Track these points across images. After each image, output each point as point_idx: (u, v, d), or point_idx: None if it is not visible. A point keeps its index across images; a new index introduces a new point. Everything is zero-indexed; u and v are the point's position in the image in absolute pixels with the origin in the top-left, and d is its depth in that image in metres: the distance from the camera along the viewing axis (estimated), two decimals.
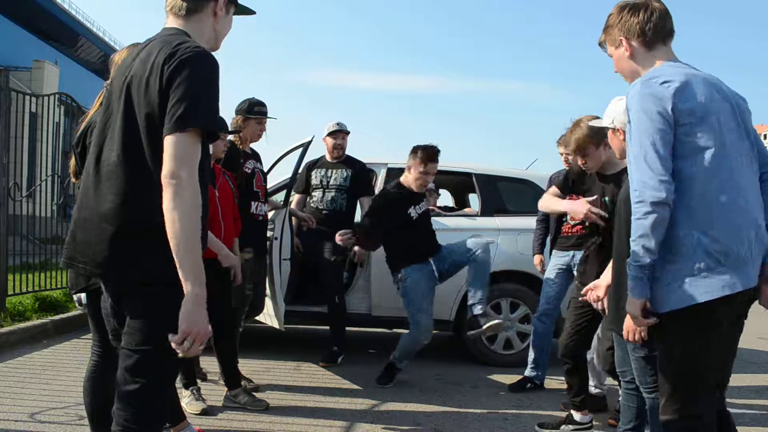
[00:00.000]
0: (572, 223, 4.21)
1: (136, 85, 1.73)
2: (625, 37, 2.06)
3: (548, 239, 4.47)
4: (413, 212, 4.37)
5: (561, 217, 4.26)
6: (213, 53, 1.90)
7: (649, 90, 1.90)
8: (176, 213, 1.60)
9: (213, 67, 1.73)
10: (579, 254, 4.14)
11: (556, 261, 4.29)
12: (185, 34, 1.79)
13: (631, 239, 1.93)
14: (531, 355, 4.39)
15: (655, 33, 2.03)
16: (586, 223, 4.14)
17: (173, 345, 1.62)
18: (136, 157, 1.70)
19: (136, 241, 1.69)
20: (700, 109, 1.89)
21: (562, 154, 4.23)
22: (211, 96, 1.71)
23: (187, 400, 3.56)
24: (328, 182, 5.00)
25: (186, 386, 3.63)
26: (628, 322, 2.44)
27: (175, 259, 1.61)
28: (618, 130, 2.77)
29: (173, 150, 1.62)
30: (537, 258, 4.46)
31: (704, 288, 1.86)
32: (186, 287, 1.61)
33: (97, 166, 1.77)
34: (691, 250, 1.87)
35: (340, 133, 5.03)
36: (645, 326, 2.02)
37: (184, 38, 1.76)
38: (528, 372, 4.38)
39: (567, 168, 4.25)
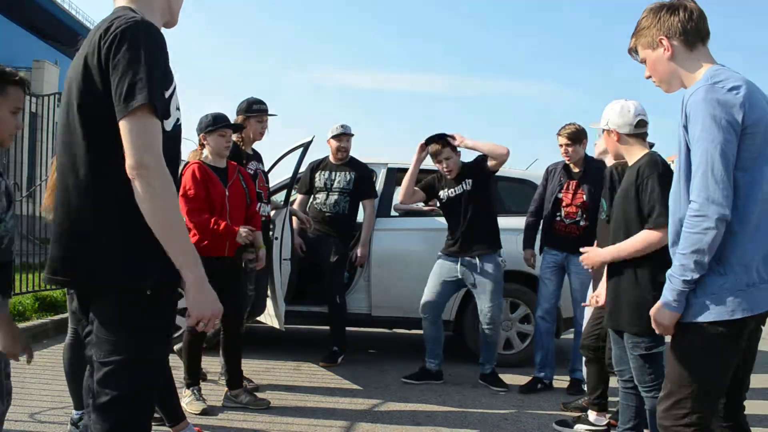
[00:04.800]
0: (567, 221, 4.22)
1: (72, 76, 1.61)
2: (665, 35, 1.95)
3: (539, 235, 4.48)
4: (443, 194, 4.46)
5: (555, 212, 4.28)
6: (170, 28, 1.80)
7: (718, 96, 1.79)
8: (152, 203, 1.50)
9: (153, 35, 1.58)
10: (573, 257, 4.16)
11: (549, 259, 4.32)
12: (131, 11, 1.63)
13: (680, 251, 1.84)
14: (538, 356, 4.40)
15: (696, 33, 1.94)
16: (581, 223, 4.17)
17: (188, 324, 1.63)
18: (82, 154, 1.59)
19: (95, 244, 1.57)
20: (765, 119, 1.83)
21: (561, 146, 4.24)
22: (156, 68, 1.54)
23: (187, 400, 3.56)
24: (332, 185, 4.99)
25: (188, 386, 3.64)
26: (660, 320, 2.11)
27: (166, 250, 1.53)
28: (612, 131, 2.80)
29: (130, 136, 1.50)
30: (527, 252, 4.47)
31: (748, 303, 1.82)
32: (183, 275, 1.55)
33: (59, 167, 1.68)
34: (741, 263, 1.82)
35: (344, 136, 5.02)
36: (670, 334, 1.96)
37: (124, 12, 1.60)
38: (537, 372, 4.39)
39: (566, 160, 4.27)
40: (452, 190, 4.39)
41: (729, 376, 1.93)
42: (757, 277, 1.83)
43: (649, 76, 2.05)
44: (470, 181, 4.33)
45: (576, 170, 4.26)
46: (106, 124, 1.54)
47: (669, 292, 1.88)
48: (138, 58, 1.51)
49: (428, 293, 4.41)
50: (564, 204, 4.24)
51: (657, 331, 1.97)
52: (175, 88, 1.66)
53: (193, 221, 3.51)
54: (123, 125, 1.51)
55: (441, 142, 4.33)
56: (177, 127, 1.69)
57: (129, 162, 1.50)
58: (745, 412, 2.20)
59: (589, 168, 4.21)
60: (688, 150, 1.86)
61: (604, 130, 2.88)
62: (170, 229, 1.53)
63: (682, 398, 1.91)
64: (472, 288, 4.37)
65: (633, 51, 2.10)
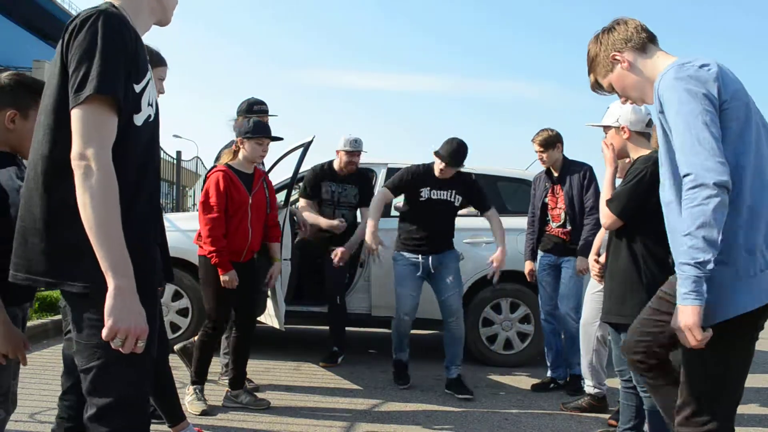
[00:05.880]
0: (554, 225, 4.28)
1: (55, 60, 1.55)
2: (616, 51, 1.97)
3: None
4: (425, 193, 4.28)
5: (544, 216, 4.35)
6: (166, 25, 1.74)
7: (689, 72, 1.73)
8: (86, 197, 1.41)
9: (115, 26, 1.49)
10: (565, 259, 4.18)
11: (544, 261, 4.38)
12: (112, 6, 1.56)
13: (685, 233, 1.65)
14: (549, 357, 4.45)
15: (639, 36, 1.96)
16: (567, 226, 4.21)
17: (102, 337, 1.42)
18: (46, 150, 1.52)
19: (64, 245, 1.49)
20: (741, 93, 1.76)
21: (536, 152, 4.31)
22: (113, 58, 1.46)
23: (189, 398, 3.58)
24: (339, 199, 4.97)
25: (192, 383, 3.65)
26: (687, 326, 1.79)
27: (95, 250, 1.42)
28: (622, 128, 2.80)
29: (77, 126, 1.43)
30: (528, 265, 4.50)
31: (760, 291, 1.70)
32: (108, 280, 1.41)
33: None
34: (744, 248, 1.70)
35: (356, 152, 4.94)
36: (703, 341, 1.67)
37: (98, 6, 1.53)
38: (551, 373, 4.43)
39: (542, 165, 4.33)
40: (437, 192, 4.30)
41: (747, 372, 1.84)
42: (763, 263, 1.71)
43: (626, 99, 2.04)
44: (460, 198, 4.32)
45: (556, 174, 4.32)
46: (69, 120, 1.47)
47: (682, 283, 1.66)
48: (93, 48, 1.45)
49: (407, 296, 4.28)
50: (550, 208, 4.33)
51: (688, 344, 1.69)
52: (148, 83, 1.58)
53: (207, 233, 3.54)
54: (72, 115, 1.45)
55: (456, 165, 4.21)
56: (149, 123, 1.60)
57: (72, 152, 1.43)
58: (745, 412, 2.19)
59: (565, 171, 4.26)
60: (668, 137, 1.79)
61: (608, 127, 2.88)
62: (100, 228, 1.41)
63: (701, 405, 1.79)
64: (433, 279, 4.32)
65: (596, 86, 2.07)
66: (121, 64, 1.48)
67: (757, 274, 1.70)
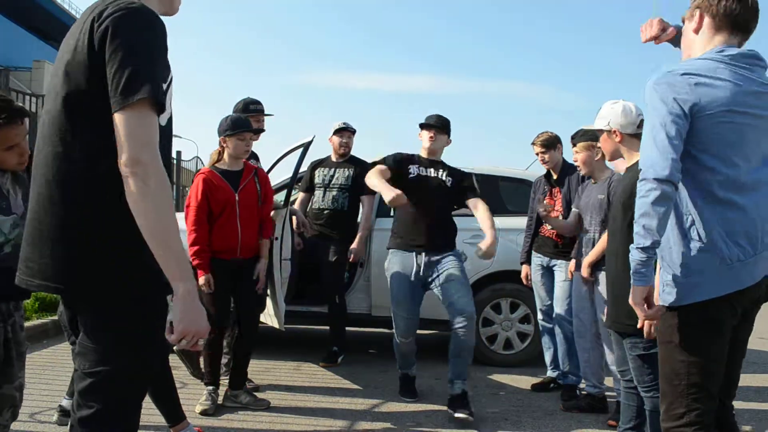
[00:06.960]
0: (548, 226, 4.27)
1: (60, 61, 1.47)
2: (698, 7, 1.97)
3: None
4: (413, 170, 3.95)
5: (540, 218, 4.32)
6: (168, 16, 1.67)
7: (669, 79, 1.86)
8: (146, 204, 1.37)
9: (155, 24, 1.45)
10: (558, 262, 4.18)
11: (537, 261, 4.38)
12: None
13: (634, 221, 1.86)
14: (547, 357, 4.44)
15: (725, 18, 1.93)
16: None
17: (170, 341, 1.46)
18: (66, 148, 1.45)
19: (76, 246, 1.44)
20: (722, 102, 1.83)
21: (537, 154, 4.31)
22: (159, 59, 1.44)
23: (202, 400, 3.61)
24: (330, 182, 4.97)
25: (206, 384, 3.67)
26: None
27: (156, 257, 1.40)
28: (613, 132, 2.79)
29: (128, 131, 1.37)
30: (524, 269, 4.50)
31: (733, 279, 1.84)
32: (174, 286, 1.43)
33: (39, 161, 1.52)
34: (722, 240, 1.83)
35: (346, 132, 5.01)
36: (651, 319, 1.94)
37: None
38: (550, 373, 4.43)
39: (545, 167, 4.32)
40: (425, 170, 3.96)
41: (720, 364, 1.92)
42: (741, 255, 1.84)
43: (682, 48, 2.08)
44: (450, 179, 3.95)
45: (555, 177, 4.32)
46: (94, 115, 1.43)
47: (631, 263, 1.89)
48: (138, 48, 1.40)
49: (403, 318, 3.85)
50: None
51: (637, 313, 1.93)
52: (171, 80, 1.54)
53: (191, 234, 3.57)
54: (119, 118, 1.38)
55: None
56: (169, 121, 1.59)
57: (124, 158, 1.37)
58: (745, 412, 2.19)
59: (564, 173, 4.27)
60: None
61: (602, 131, 2.88)
62: (163, 234, 1.39)
63: (676, 397, 1.91)
64: (437, 284, 3.80)
65: (684, 18, 2.08)
66: (163, 64, 1.46)
67: (734, 264, 1.84)
